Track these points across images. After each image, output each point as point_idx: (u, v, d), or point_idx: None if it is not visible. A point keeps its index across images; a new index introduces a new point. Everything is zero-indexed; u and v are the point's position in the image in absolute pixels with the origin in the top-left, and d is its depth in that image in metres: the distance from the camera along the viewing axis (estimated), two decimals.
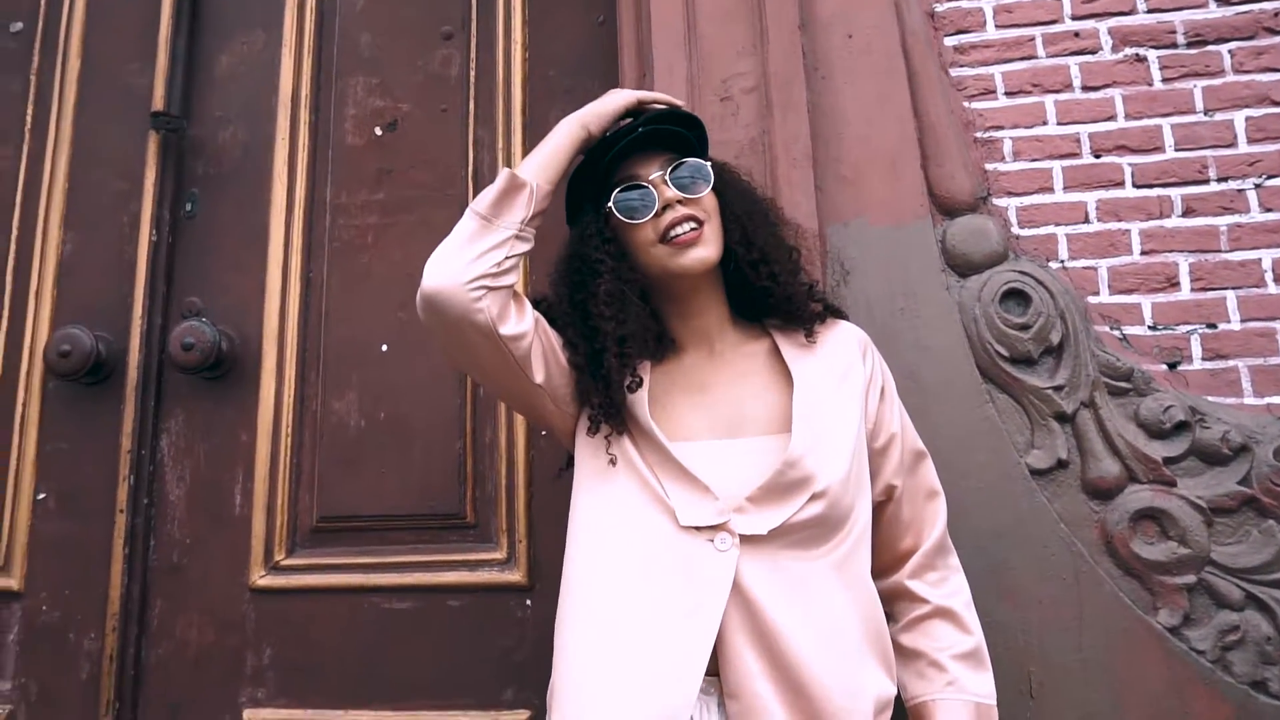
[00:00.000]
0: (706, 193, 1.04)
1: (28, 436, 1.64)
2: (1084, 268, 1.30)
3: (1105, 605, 1.17)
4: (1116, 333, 1.28)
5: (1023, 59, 1.38)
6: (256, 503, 1.57)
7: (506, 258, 0.98)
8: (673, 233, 1.02)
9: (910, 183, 1.31)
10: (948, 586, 1.06)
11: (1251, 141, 1.31)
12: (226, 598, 1.54)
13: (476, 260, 0.96)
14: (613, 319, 1.01)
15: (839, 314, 1.14)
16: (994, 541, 1.20)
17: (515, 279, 1.01)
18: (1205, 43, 1.35)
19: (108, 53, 1.80)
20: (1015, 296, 1.27)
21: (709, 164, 1.05)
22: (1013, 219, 1.33)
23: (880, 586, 1.08)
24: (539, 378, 1.02)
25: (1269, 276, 1.27)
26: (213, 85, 1.78)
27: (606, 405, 1.01)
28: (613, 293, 1.02)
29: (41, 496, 1.61)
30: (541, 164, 1.03)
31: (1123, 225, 1.31)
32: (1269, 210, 1.29)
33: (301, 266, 1.67)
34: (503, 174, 1.00)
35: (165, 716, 1.52)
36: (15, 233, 1.74)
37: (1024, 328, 1.26)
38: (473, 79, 1.71)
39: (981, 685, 1.01)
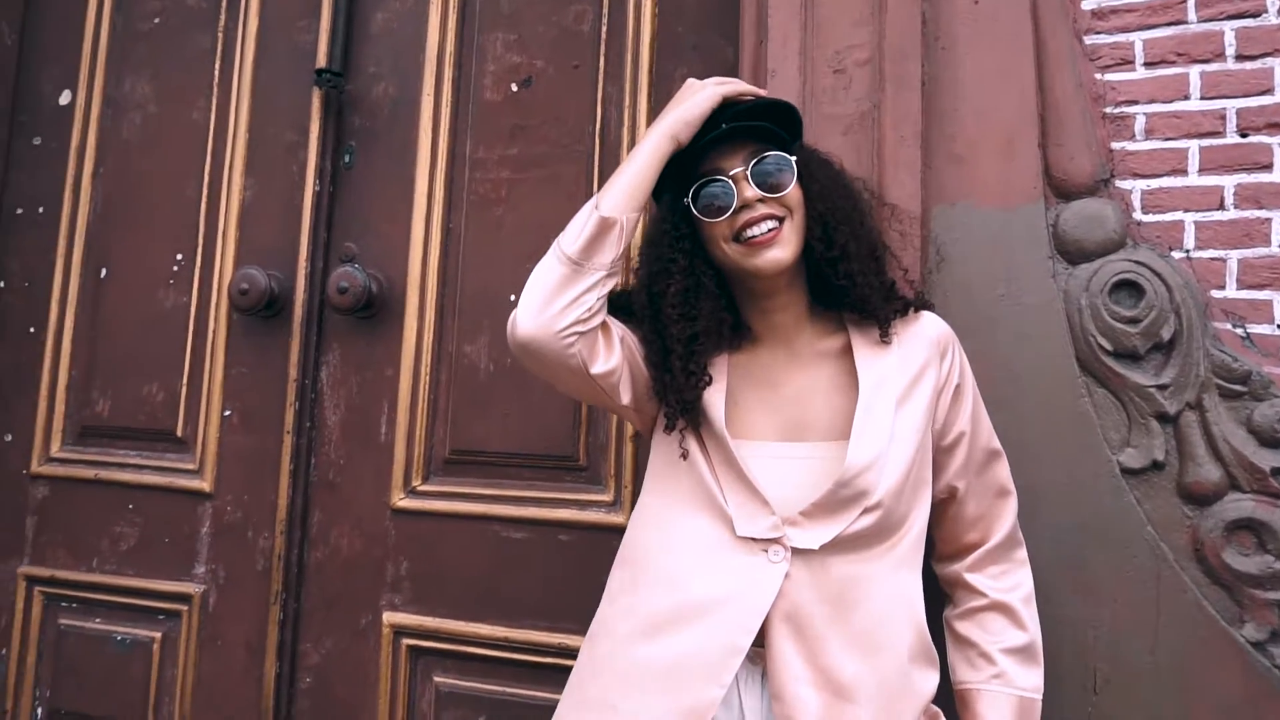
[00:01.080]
0: (789, 190, 1.06)
1: (216, 361, 1.98)
2: (1211, 259, 1.27)
3: (1186, 612, 1.20)
4: (1240, 331, 1.25)
5: (1169, 24, 1.32)
6: (399, 432, 1.83)
7: (597, 299, 1.04)
8: (748, 233, 1.05)
9: (1025, 163, 1.31)
10: (1008, 580, 1.12)
11: None
12: (371, 514, 1.83)
13: (568, 308, 1.02)
14: (681, 319, 1.06)
15: (924, 306, 1.16)
16: (1074, 536, 1.24)
17: (604, 314, 1.07)
18: None
19: (281, 11, 2.04)
20: (1127, 288, 1.27)
21: (794, 158, 1.07)
22: (1136, 203, 1.31)
23: (941, 572, 1.17)
24: (625, 399, 1.11)
25: None
26: (368, 41, 1.99)
27: (680, 404, 1.07)
28: (684, 291, 1.07)
29: (227, 414, 1.96)
30: (629, 190, 1.05)
31: (1263, 213, 1.26)
32: None
33: (442, 218, 1.88)
34: (591, 215, 1.04)
35: (322, 609, 1.85)
36: (206, 179, 2.05)
37: (1133, 321, 1.26)
38: (604, 35, 1.82)
39: (1028, 680, 1.07)
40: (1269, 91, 1.27)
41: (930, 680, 1.05)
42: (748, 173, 1.05)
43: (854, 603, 1.00)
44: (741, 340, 1.15)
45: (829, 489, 1.00)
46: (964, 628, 1.12)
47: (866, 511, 1.00)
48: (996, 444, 1.15)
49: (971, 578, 1.13)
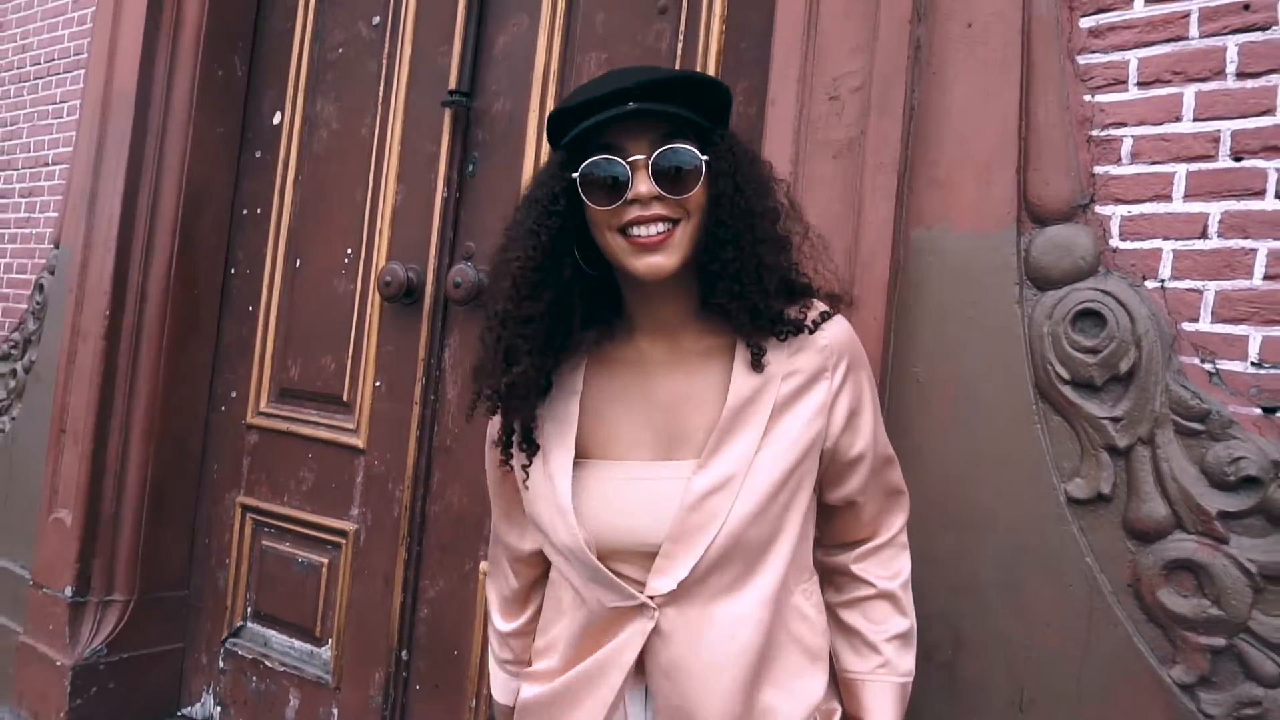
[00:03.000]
0: (691, 192, 0.98)
1: (370, 340, 2.44)
2: (1187, 289, 1.25)
3: (1116, 645, 1.23)
4: (1209, 366, 1.23)
5: (1168, 40, 1.29)
6: None
7: None
8: (634, 230, 0.97)
9: (1002, 188, 1.36)
10: (893, 567, 1.14)
11: None
12: (476, 478, 2.20)
13: None
14: (520, 299, 1.00)
15: (829, 314, 1.07)
16: (1015, 559, 1.31)
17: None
18: None
19: (427, 39, 2.43)
20: (1091, 317, 1.29)
21: (705, 158, 0.98)
22: (1114, 230, 1.31)
23: (825, 559, 1.17)
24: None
25: None
26: (491, 64, 2.32)
27: (508, 413, 1.07)
28: (535, 269, 1.00)
29: (377, 384, 2.42)
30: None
31: (1249, 243, 1.22)
32: None
33: None
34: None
35: (437, 553, 2.27)
36: (370, 186, 2.50)
37: (1093, 351, 1.28)
38: (680, 52, 2.01)
39: (907, 663, 1.12)
40: (1270, 112, 1.22)
41: (817, 684, 1.07)
42: (649, 163, 0.96)
43: (727, 636, 1.00)
44: (614, 332, 1.10)
45: (679, 516, 0.99)
46: (849, 616, 1.14)
47: (719, 538, 0.98)
48: (890, 450, 1.15)
49: (859, 568, 1.14)
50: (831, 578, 1.18)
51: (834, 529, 1.17)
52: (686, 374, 1.06)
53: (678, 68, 2.00)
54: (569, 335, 1.05)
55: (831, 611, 1.16)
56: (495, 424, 1.14)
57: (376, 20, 2.55)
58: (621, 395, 1.07)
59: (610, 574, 1.02)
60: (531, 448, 1.07)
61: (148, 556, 2.64)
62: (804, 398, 1.03)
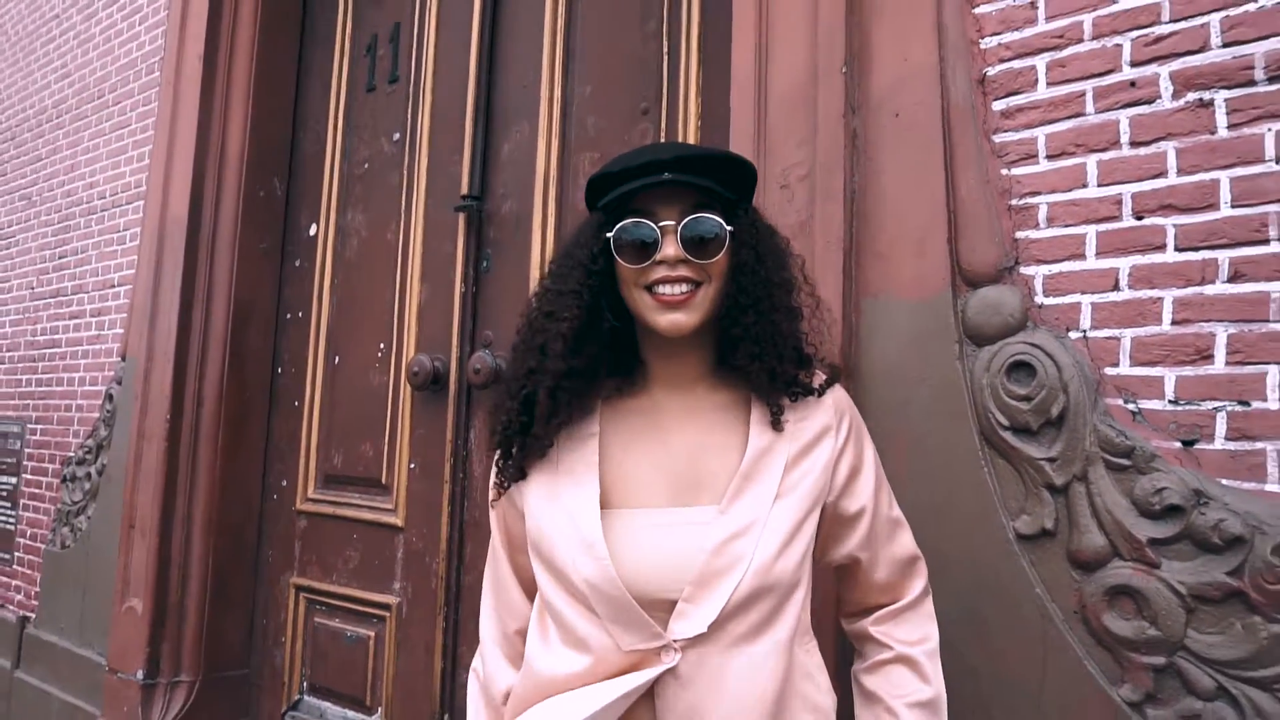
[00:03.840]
0: (716, 258, 1.05)
1: (404, 426, 2.62)
2: (1106, 338, 1.36)
3: (1069, 670, 1.32)
4: (1131, 406, 1.33)
5: (1069, 117, 1.42)
6: None
7: None
8: (660, 289, 1.04)
9: (936, 257, 1.49)
10: (915, 633, 1.15)
11: None
12: None
13: None
14: (559, 356, 1.06)
15: (830, 381, 1.15)
16: (974, 594, 1.40)
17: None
18: None
19: (441, 150, 2.65)
20: (1023, 368, 1.40)
21: (730, 228, 1.05)
22: (1038, 288, 1.43)
23: (848, 628, 1.23)
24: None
25: None
26: (498, 169, 2.54)
27: (536, 451, 1.09)
28: (577, 329, 1.06)
29: (411, 466, 2.59)
30: None
31: (1155, 293, 1.33)
32: None
33: None
34: None
35: (472, 620, 2.40)
36: (397, 286, 2.71)
37: (1026, 399, 1.39)
38: None
39: None
40: (1162, 175, 1.34)
41: None
42: (678, 228, 1.03)
43: (747, 683, 1.01)
44: (630, 382, 1.14)
45: (704, 560, 1.01)
46: (870, 681, 1.15)
47: (744, 582, 1.00)
48: (898, 512, 1.19)
49: (877, 631, 1.16)
50: (858, 645, 1.20)
51: (850, 594, 1.20)
52: (702, 425, 1.10)
53: None
54: (598, 383, 1.11)
55: (856, 681, 1.17)
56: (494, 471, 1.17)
57: (397, 136, 2.80)
58: (637, 442, 1.10)
59: (641, 610, 1.00)
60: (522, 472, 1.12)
61: (211, 638, 2.82)
62: (812, 454, 1.09)
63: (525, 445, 1.10)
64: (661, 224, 1.04)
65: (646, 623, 1.01)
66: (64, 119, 3.70)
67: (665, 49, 2.20)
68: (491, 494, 1.17)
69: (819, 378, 1.15)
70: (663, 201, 1.05)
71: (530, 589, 1.16)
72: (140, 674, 2.73)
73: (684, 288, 1.04)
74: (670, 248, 1.03)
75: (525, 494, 1.12)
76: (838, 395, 1.15)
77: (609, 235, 1.06)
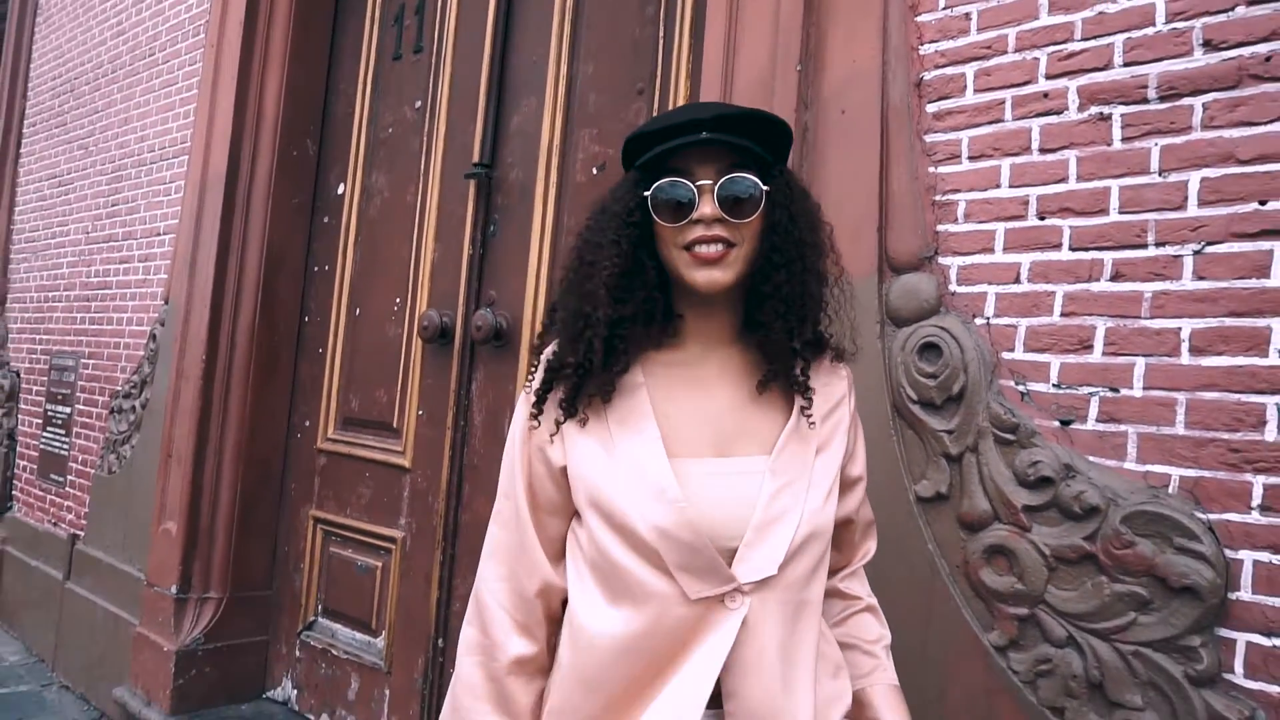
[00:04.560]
0: (751, 219, 1.04)
1: (414, 375, 2.87)
2: (1005, 325, 1.53)
3: (950, 617, 1.51)
4: (1021, 388, 1.50)
5: (990, 123, 1.58)
6: None
7: None
8: (696, 247, 1.03)
9: (867, 244, 1.66)
10: (866, 588, 1.25)
11: (1202, 204, 1.36)
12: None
13: None
14: (612, 302, 1.05)
15: (840, 356, 1.18)
16: (881, 549, 1.59)
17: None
18: (1178, 96, 1.40)
19: (458, 119, 2.86)
20: (932, 349, 1.58)
21: (766, 188, 1.04)
22: (953, 277, 1.59)
23: None
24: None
25: (1184, 347, 1.36)
26: (507, 140, 2.74)
27: (598, 391, 1.06)
28: (621, 274, 1.05)
29: (420, 413, 2.84)
30: None
31: (1049, 287, 1.49)
32: (1202, 279, 1.35)
33: (548, 273, 2.57)
34: None
35: (467, 556, 2.65)
36: (414, 245, 2.94)
37: (933, 377, 1.57)
38: None
39: (894, 670, 1.20)
40: (1064, 180, 1.49)
41: (848, 686, 1.14)
42: (715, 188, 1.02)
43: (804, 631, 1.04)
44: (666, 335, 1.13)
45: (762, 506, 1.02)
46: (841, 633, 1.19)
47: (801, 526, 1.02)
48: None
49: (845, 586, 1.22)
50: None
51: (834, 554, 1.20)
52: (737, 379, 1.11)
53: None
54: (652, 329, 1.09)
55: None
56: (527, 402, 1.13)
57: (419, 104, 3.01)
58: (681, 393, 1.09)
59: (716, 553, 1.00)
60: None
61: (237, 561, 3.13)
62: (834, 415, 1.13)
63: (582, 389, 1.07)
64: (699, 183, 1.03)
65: (720, 566, 1.00)
66: (119, 74, 3.98)
67: (661, 33, 2.37)
68: (529, 447, 1.12)
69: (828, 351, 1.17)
70: (700, 160, 1.04)
71: (553, 551, 1.11)
72: (174, 589, 3.05)
73: (719, 246, 1.03)
74: (707, 206, 1.02)
75: (569, 448, 1.08)
76: (849, 373, 1.20)
77: (646, 194, 1.05)
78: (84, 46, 4.31)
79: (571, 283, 1.11)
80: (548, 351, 1.12)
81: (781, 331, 1.07)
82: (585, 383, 1.06)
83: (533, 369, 1.13)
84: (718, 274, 1.04)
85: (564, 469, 1.08)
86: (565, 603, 1.10)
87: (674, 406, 1.08)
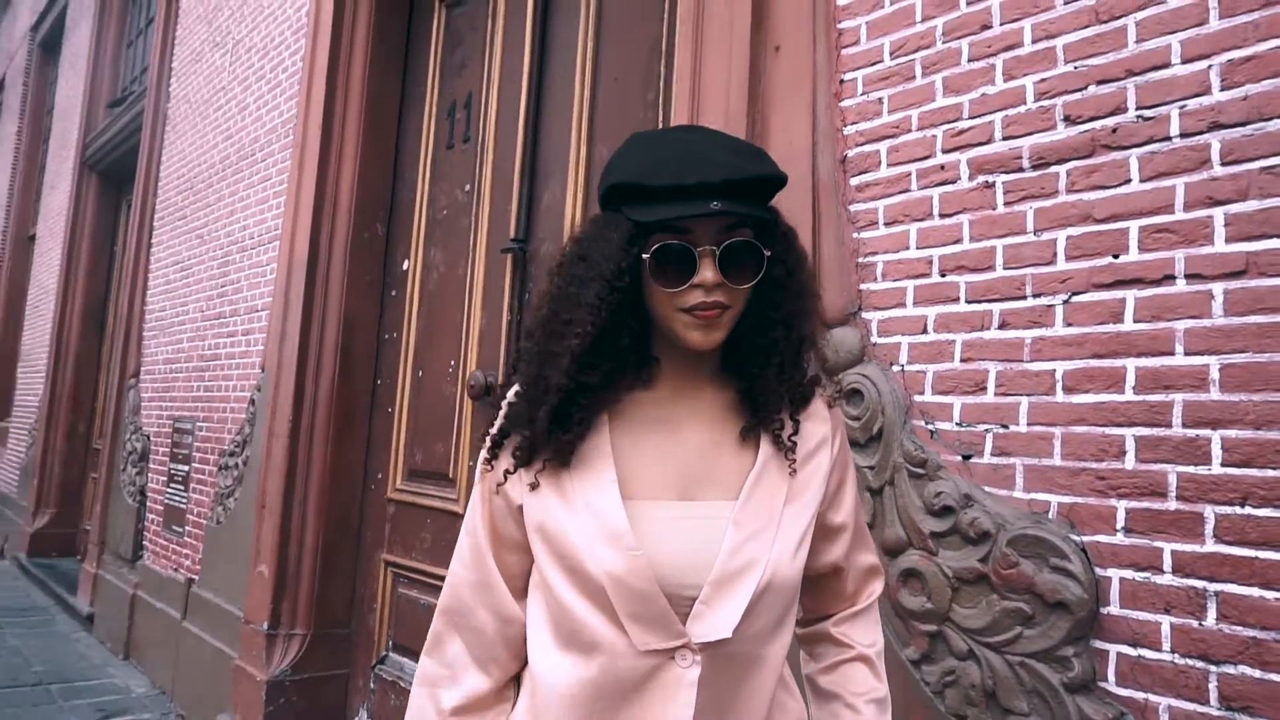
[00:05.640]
0: (752, 283, 1.01)
1: (465, 430, 3.22)
2: (916, 371, 1.73)
3: None
4: (929, 426, 1.70)
5: (900, 192, 1.80)
6: None
7: None
8: (694, 310, 1.00)
9: None
10: (870, 636, 1.20)
11: (1068, 259, 1.55)
12: None
13: None
14: (582, 368, 1.00)
15: (827, 403, 1.16)
16: None
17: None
18: (1047, 164, 1.59)
19: (498, 200, 3.24)
20: (856, 394, 1.79)
21: (768, 253, 1.01)
22: (873, 330, 1.81)
23: (802, 631, 1.23)
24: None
25: (1059, 386, 1.54)
26: (539, 217, 3.09)
27: (552, 455, 1.02)
28: (599, 337, 1.00)
29: (470, 463, 3.18)
30: None
31: (950, 336, 1.69)
32: (1070, 325, 1.53)
33: None
34: None
35: None
36: (464, 313, 3.32)
37: (857, 419, 1.78)
38: None
39: None
40: (959, 241, 1.70)
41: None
42: (716, 253, 0.98)
43: (756, 690, 1.02)
44: (641, 378, 1.09)
45: (722, 559, 0.99)
46: (827, 680, 1.18)
47: (763, 582, 0.99)
48: (865, 525, 1.26)
49: (837, 632, 1.19)
50: (811, 648, 1.23)
51: (818, 600, 1.22)
52: (711, 421, 1.09)
53: None
54: (612, 393, 1.05)
55: (812, 683, 1.20)
56: (489, 456, 1.11)
57: (467, 187, 3.41)
58: (647, 435, 1.07)
59: (668, 605, 0.97)
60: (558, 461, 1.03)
61: (320, 600, 3.53)
62: (813, 461, 1.09)
63: (541, 450, 1.04)
64: (700, 248, 0.99)
65: (671, 619, 0.97)
66: (227, 172, 4.59)
67: (660, 116, 2.68)
68: (486, 485, 1.11)
69: (818, 392, 1.16)
70: (701, 221, 0.99)
71: (517, 587, 1.09)
72: (265, 625, 3.47)
73: (718, 309, 1.00)
74: (708, 271, 0.98)
75: (526, 487, 1.05)
76: (833, 409, 1.17)
77: (645, 256, 0.99)
78: (200, 149, 4.98)
79: (539, 339, 1.05)
80: (511, 394, 1.10)
81: (775, 380, 1.06)
82: (540, 448, 1.03)
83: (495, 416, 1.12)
84: (716, 335, 1.02)
85: (521, 507, 1.06)
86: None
87: (636, 448, 1.06)
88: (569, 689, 1.00)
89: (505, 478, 1.07)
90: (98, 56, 7.61)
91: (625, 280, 1.00)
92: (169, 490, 4.72)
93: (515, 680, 1.11)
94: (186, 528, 4.47)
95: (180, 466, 4.63)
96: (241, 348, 4.19)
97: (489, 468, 1.10)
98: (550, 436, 1.02)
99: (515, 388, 1.10)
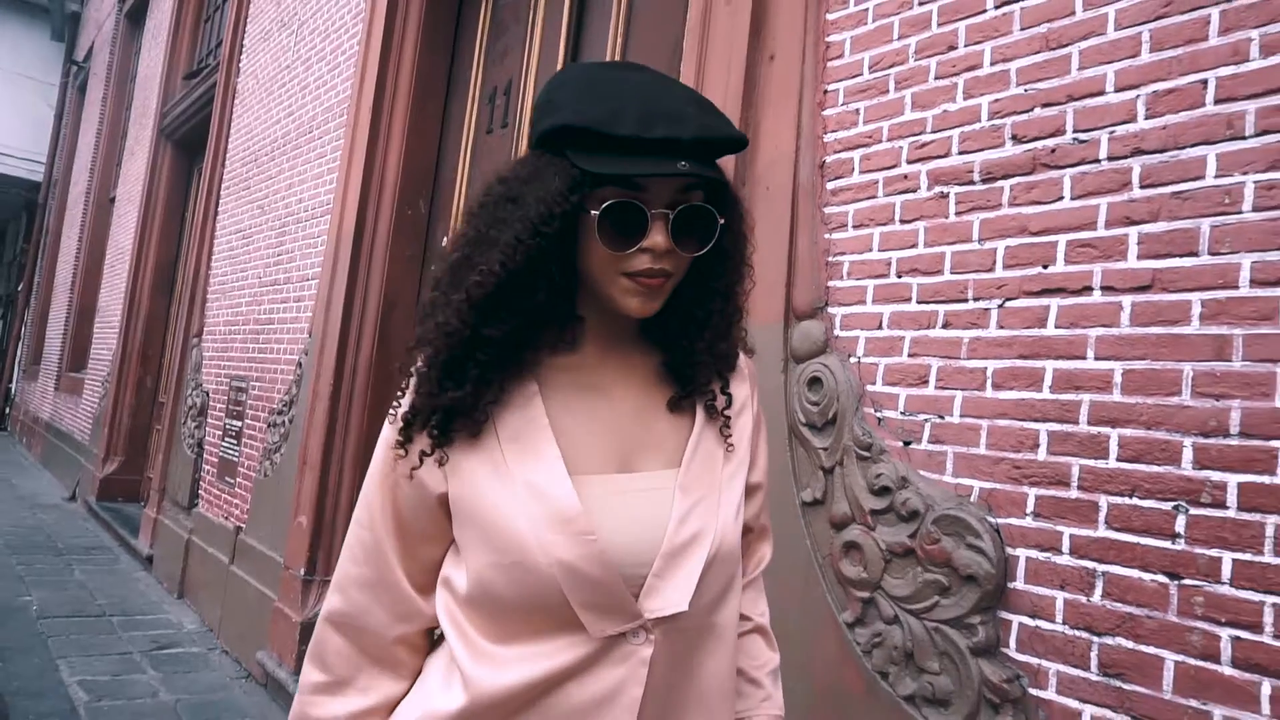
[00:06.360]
0: (702, 252, 0.95)
1: None
2: (870, 363, 1.91)
3: (818, 600, 1.90)
4: (877, 414, 1.88)
5: (868, 198, 1.97)
6: None
7: None
8: (637, 275, 0.92)
9: (778, 297, 2.09)
10: (760, 604, 1.18)
11: (1005, 267, 1.71)
12: None
13: None
14: (505, 315, 0.91)
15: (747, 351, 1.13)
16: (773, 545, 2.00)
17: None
18: (994, 179, 1.76)
19: None
20: (817, 382, 1.98)
21: (722, 221, 0.95)
22: (837, 324, 1.99)
23: None
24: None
25: (989, 383, 1.71)
26: None
27: (467, 425, 0.93)
28: (523, 285, 0.91)
29: None
30: None
31: (901, 333, 1.86)
32: (1003, 328, 1.70)
33: None
34: None
35: None
36: None
37: (816, 404, 1.97)
38: None
39: (781, 698, 1.14)
40: (914, 245, 1.87)
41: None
42: (670, 216, 0.91)
43: (713, 662, 0.99)
44: (563, 340, 1.00)
45: (671, 530, 0.95)
46: None
47: (712, 551, 0.96)
48: None
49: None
50: None
51: None
52: (640, 385, 1.04)
53: None
54: (523, 354, 0.96)
55: None
56: (394, 429, 0.98)
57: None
58: (579, 401, 0.99)
59: (625, 589, 0.91)
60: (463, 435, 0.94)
61: None
62: (739, 422, 1.06)
63: (452, 418, 0.93)
64: (652, 210, 0.90)
65: (628, 603, 0.92)
66: (287, 147, 4.92)
67: None
68: (394, 473, 0.98)
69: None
70: (652, 181, 0.91)
71: (425, 580, 1.00)
72: (302, 571, 3.80)
73: (663, 276, 0.93)
74: (659, 235, 0.91)
75: (451, 471, 0.94)
76: (751, 367, 1.14)
77: (594, 211, 0.89)
78: (265, 124, 5.32)
79: (445, 287, 0.96)
80: (422, 360, 0.97)
81: (707, 354, 1.03)
82: (453, 416, 0.93)
83: (402, 387, 1.00)
84: (655, 304, 0.95)
85: (443, 496, 0.95)
86: (436, 640, 1.02)
87: (572, 419, 0.98)
88: (510, 689, 0.91)
89: (421, 460, 0.94)
90: (177, 29, 8.06)
91: (554, 226, 0.90)
92: (224, 444, 5.10)
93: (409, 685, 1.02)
94: (238, 479, 4.84)
95: (234, 422, 5.00)
96: (293, 313, 4.52)
97: (402, 453, 0.96)
98: (443, 394, 0.92)
99: (421, 360, 0.97)
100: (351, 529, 1.02)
